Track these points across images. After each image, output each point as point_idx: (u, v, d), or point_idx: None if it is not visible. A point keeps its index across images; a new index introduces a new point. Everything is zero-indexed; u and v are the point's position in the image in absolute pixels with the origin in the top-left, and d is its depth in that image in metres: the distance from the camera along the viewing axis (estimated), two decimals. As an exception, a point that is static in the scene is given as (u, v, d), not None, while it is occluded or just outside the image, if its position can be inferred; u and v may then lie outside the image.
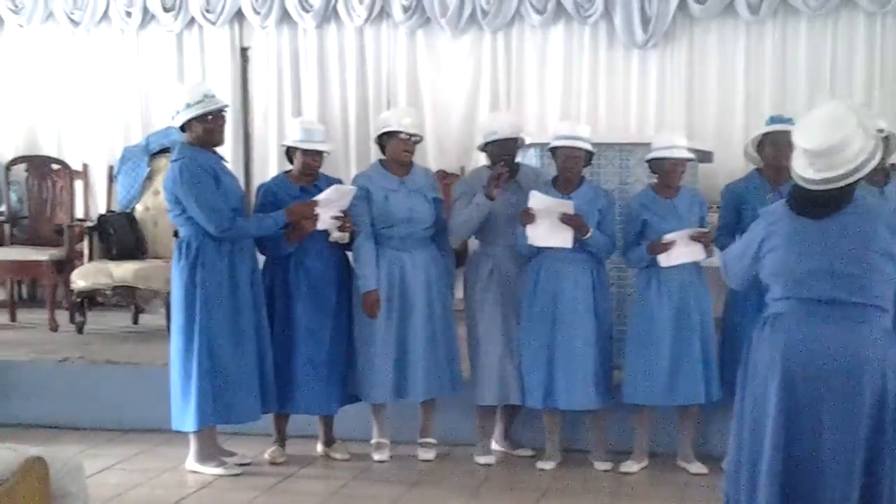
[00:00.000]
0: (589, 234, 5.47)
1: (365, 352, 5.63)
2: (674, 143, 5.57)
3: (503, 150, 5.65)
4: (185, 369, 5.41)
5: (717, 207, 5.81)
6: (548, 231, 5.46)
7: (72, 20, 8.59)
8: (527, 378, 5.59)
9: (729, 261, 4.06)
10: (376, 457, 5.77)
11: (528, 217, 5.45)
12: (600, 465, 5.66)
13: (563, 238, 5.48)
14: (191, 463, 5.58)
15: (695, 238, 5.43)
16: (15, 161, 8.34)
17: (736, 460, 3.83)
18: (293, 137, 5.69)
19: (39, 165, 8.30)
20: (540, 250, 5.53)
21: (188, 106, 5.39)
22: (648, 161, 5.61)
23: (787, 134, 5.42)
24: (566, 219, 5.44)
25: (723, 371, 5.49)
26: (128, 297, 7.42)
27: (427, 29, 8.26)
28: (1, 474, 3.18)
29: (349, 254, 5.76)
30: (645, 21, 7.82)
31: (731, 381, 5.42)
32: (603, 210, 5.61)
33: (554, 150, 5.59)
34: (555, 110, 7.99)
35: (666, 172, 5.53)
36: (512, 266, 5.68)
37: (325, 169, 5.86)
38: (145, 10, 8.51)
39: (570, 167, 5.56)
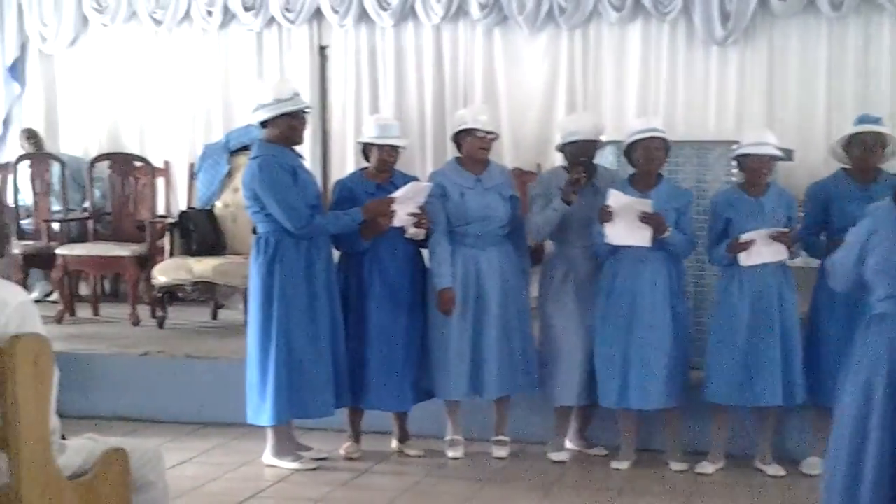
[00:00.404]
0: (668, 233, 5.43)
1: (439, 349, 5.64)
2: (763, 140, 5.50)
3: (582, 152, 5.62)
4: (262, 364, 5.47)
5: (799, 206, 5.73)
6: (626, 230, 5.42)
7: (154, 19, 8.73)
8: (602, 378, 5.56)
9: (834, 262, 4.00)
10: (450, 454, 5.79)
11: (606, 215, 5.41)
12: (676, 466, 5.61)
13: (641, 237, 5.43)
14: (267, 457, 5.65)
15: (775, 238, 5.36)
16: (99, 158, 8.47)
17: (835, 463, 3.77)
18: (369, 134, 5.72)
19: (122, 163, 8.42)
20: (617, 249, 5.50)
21: (271, 103, 5.44)
22: (736, 158, 5.55)
23: (876, 135, 5.36)
24: (645, 217, 5.40)
25: (806, 373, 5.42)
26: (207, 293, 7.52)
27: (504, 27, 8.24)
28: (83, 464, 3.24)
29: (423, 251, 5.78)
30: (724, 18, 7.73)
31: (815, 384, 5.42)
32: (681, 208, 5.55)
33: (631, 148, 5.54)
34: (632, 108, 7.93)
35: (752, 170, 5.46)
36: (588, 267, 5.65)
37: (401, 167, 5.89)
38: (226, 10, 8.62)
39: (651, 158, 5.49)
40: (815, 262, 5.56)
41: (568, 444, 5.88)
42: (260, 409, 5.50)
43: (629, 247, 5.45)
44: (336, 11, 8.41)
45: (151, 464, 3.43)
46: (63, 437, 3.22)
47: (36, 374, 2.95)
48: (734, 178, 5.74)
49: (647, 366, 5.46)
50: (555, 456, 5.75)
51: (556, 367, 5.69)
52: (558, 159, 6.02)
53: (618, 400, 5.54)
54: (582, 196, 5.55)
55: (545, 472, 5.62)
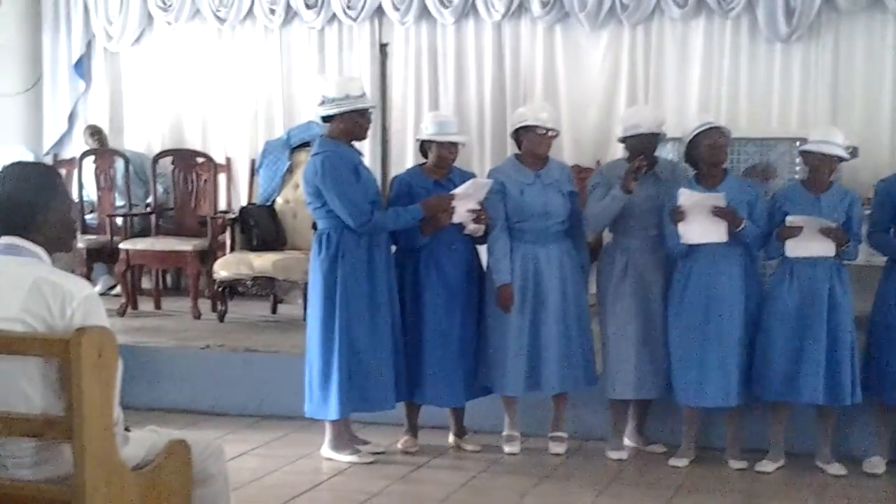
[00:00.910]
0: (742, 226, 5.37)
1: (498, 345, 5.64)
2: (829, 138, 5.44)
3: (644, 145, 5.60)
4: (324, 359, 5.50)
5: (865, 203, 5.66)
6: (701, 227, 5.37)
7: (218, 17, 8.82)
8: (678, 376, 5.51)
9: None
10: (507, 449, 5.79)
11: (679, 215, 5.37)
12: (735, 464, 5.57)
13: (717, 232, 5.38)
14: (326, 450, 5.69)
15: (825, 232, 5.29)
16: (162, 154, 8.59)
17: None
18: (427, 131, 5.73)
19: (185, 158, 8.53)
20: (690, 247, 5.46)
21: (340, 99, 5.47)
22: (800, 153, 5.50)
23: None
24: (718, 212, 5.35)
25: (868, 372, 5.35)
26: (266, 288, 7.57)
27: (565, 24, 8.21)
28: (146, 456, 3.28)
29: (478, 248, 5.78)
30: (789, 14, 7.64)
31: (879, 383, 5.35)
32: (752, 202, 5.49)
33: (693, 145, 5.49)
34: (693, 106, 7.86)
35: (814, 167, 5.41)
36: (647, 259, 5.63)
37: (459, 163, 5.90)
38: (288, 7, 8.68)
39: (716, 151, 5.45)
40: (880, 260, 5.49)
41: (626, 442, 5.86)
42: (321, 404, 5.54)
43: (705, 244, 5.41)
44: (397, 9, 8.44)
45: (213, 456, 3.46)
46: (126, 429, 3.27)
47: (100, 366, 2.99)
48: (797, 176, 5.67)
49: (725, 363, 5.42)
50: (613, 454, 5.73)
51: (613, 359, 5.66)
52: (618, 156, 5.99)
53: (696, 398, 5.50)
54: (642, 186, 5.53)
55: (602, 468, 5.61)
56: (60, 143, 9.33)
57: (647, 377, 5.61)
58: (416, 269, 5.69)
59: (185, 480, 3.35)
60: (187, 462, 3.35)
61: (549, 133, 5.68)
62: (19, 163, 3.35)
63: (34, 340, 3.03)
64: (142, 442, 3.31)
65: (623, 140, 5.72)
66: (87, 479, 2.96)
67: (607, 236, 6.00)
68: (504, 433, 5.84)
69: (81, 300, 3.09)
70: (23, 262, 3.16)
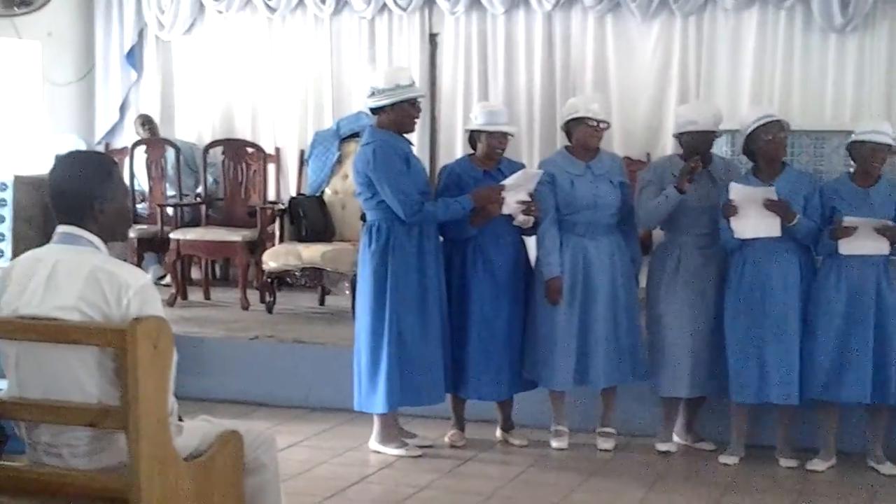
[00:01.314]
0: (796, 220, 5.30)
1: (546, 338, 5.60)
2: (878, 128, 5.36)
3: (700, 142, 5.55)
4: (374, 352, 5.50)
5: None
6: (753, 222, 5.31)
7: (268, 7, 8.84)
8: (736, 373, 5.44)
9: None
10: (555, 444, 5.76)
11: (730, 210, 5.31)
12: (786, 462, 5.51)
13: (769, 226, 5.31)
14: (373, 443, 5.69)
15: (880, 231, 5.22)
16: (212, 144, 8.63)
17: None
18: (477, 121, 5.70)
19: (235, 148, 8.56)
20: (744, 242, 5.40)
21: (390, 89, 5.46)
22: (848, 147, 5.42)
23: None
24: (770, 205, 5.28)
25: None
26: (315, 279, 7.58)
27: (616, 14, 8.14)
28: (198, 446, 3.30)
29: (525, 239, 5.75)
30: (844, 4, 7.53)
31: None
32: (808, 195, 5.42)
33: (751, 138, 5.42)
34: (746, 97, 7.78)
35: (864, 158, 5.33)
36: (699, 256, 5.57)
37: (509, 155, 5.87)
38: (339, -3, 8.70)
39: (778, 145, 5.40)
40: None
41: (675, 438, 5.81)
42: (371, 397, 5.54)
43: (758, 239, 5.35)
44: (447, -1, 8.42)
45: (264, 447, 3.47)
46: (179, 419, 3.28)
47: (156, 356, 3.00)
48: (851, 169, 5.59)
49: (786, 360, 5.36)
50: (662, 446, 5.69)
51: (665, 357, 5.62)
52: (668, 148, 5.94)
53: (756, 395, 5.43)
54: (696, 185, 5.47)
55: (651, 465, 5.57)
56: (112, 132, 9.39)
57: (700, 375, 5.55)
58: (464, 260, 5.67)
59: (237, 470, 3.36)
60: (240, 452, 3.36)
61: (601, 125, 5.64)
62: (76, 152, 3.37)
63: (91, 329, 3.05)
64: (195, 432, 3.33)
65: (678, 136, 5.67)
66: (142, 469, 2.98)
67: (658, 233, 5.94)
68: (552, 428, 5.81)
69: (138, 289, 3.11)
70: (79, 251, 3.18)
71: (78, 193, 3.18)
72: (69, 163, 3.26)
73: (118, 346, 3.00)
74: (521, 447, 5.81)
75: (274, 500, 3.52)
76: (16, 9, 8.66)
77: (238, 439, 3.34)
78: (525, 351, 5.71)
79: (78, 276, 3.12)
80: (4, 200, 7.12)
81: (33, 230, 6.98)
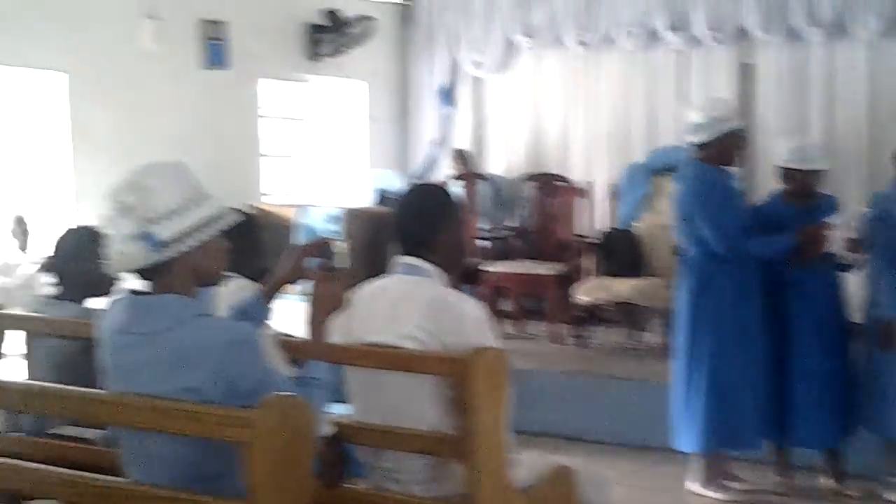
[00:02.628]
0: None
1: (882, 381, 5.26)
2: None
3: None
4: (688, 389, 5.36)
5: None
6: None
7: (581, 43, 8.87)
8: None
9: None
10: (893, 498, 5.39)
11: None
12: None
13: None
14: (693, 484, 5.52)
15: None
16: (525, 178, 8.73)
17: None
18: (787, 158, 5.48)
19: (546, 182, 8.62)
20: None
21: (713, 122, 5.33)
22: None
23: None
24: None
25: None
26: (626, 314, 7.49)
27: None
28: (531, 480, 3.27)
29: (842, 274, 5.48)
30: None
31: None
32: None
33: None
34: None
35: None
36: None
37: (833, 187, 5.60)
38: (651, 31, 8.60)
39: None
40: None
41: None
42: (687, 434, 5.39)
43: None
44: (763, 29, 8.16)
45: (599, 487, 3.41)
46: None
47: (495, 388, 3.01)
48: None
49: None
50: None
51: None
52: None
53: None
54: None
55: None
56: (427, 167, 9.66)
57: None
58: (783, 300, 5.42)
59: (569, 506, 3.32)
60: (572, 490, 3.32)
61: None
62: (424, 185, 3.47)
63: (431, 359, 3.09)
64: (528, 465, 3.31)
65: None
66: (481, 500, 2.97)
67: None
68: (888, 479, 5.42)
69: (475, 321, 3.13)
70: (419, 282, 3.24)
71: (424, 224, 3.25)
72: (417, 195, 3.35)
73: (458, 376, 3.01)
74: (854, 498, 5.45)
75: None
76: (344, 48, 9.08)
77: (572, 476, 3.30)
78: (857, 398, 5.38)
79: (418, 305, 3.18)
80: (338, 232, 7.48)
81: (358, 261, 7.26)
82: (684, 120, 5.70)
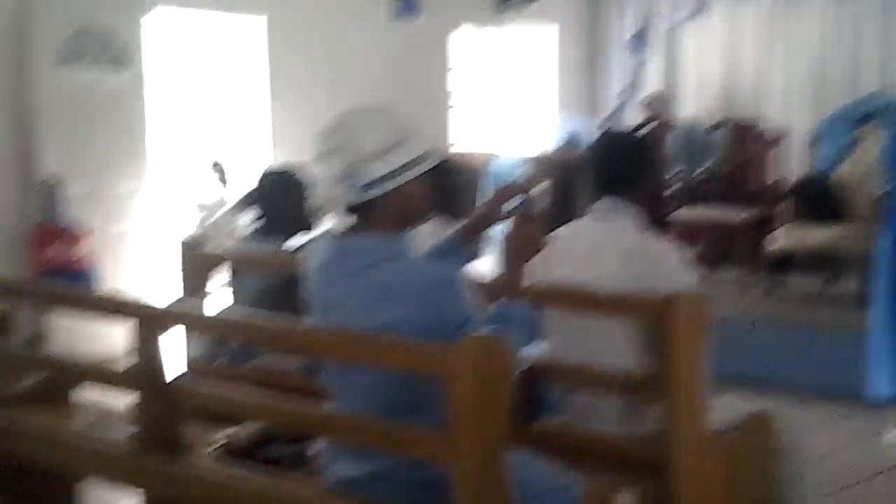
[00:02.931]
0: None
1: None
2: None
3: None
4: (891, 336, 5.23)
5: None
6: None
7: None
8: None
9: None
10: None
11: None
12: None
13: None
14: (891, 435, 5.37)
15: None
16: (717, 125, 8.57)
17: None
18: None
19: (740, 128, 8.44)
20: None
21: None
22: None
23: None
24: None
25: None
26: (821, 261, 7.31)
27: None
28: (726, 424, 3.25)
29: None
30: None
31: None
32: None
33: None
34: None
35: None
36: None
37: None
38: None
39: None
40: None
41: None
42: (887, 383, 5.27)
43: None
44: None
45: (793, 434, 3.37)
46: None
47: (694, 330, 2.99)
48: None
49: None
50: None
51: None
52: None
53: None
54: None
55: None
56: (616, 114, 9.58)
57: None
58: None
59: (766, 454, 3.28)
60: (767, 435, 3.29)
61: None
62: (619, 131, 3.46)
63: (630, 301, 3.10)
64: (723, 409, 3.28)
65: None
66: (677, 440, 2.98)
67: None
68: None
69: (674, 265, 3.13)
70: (616, 228, 3.27)
71: (623, 168, 3.26)
72: (614, 139, 3.35)
73: (658, 319, 3.00)
74: None
75: (795, 492, 3.41)
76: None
77: (768, 422, 3.27)
78: None
79: (615, 248, 3.19)
80: (530, 178, 7.51)
81: (552, 204, 7.29)
82: (888, 66, 5.48)
